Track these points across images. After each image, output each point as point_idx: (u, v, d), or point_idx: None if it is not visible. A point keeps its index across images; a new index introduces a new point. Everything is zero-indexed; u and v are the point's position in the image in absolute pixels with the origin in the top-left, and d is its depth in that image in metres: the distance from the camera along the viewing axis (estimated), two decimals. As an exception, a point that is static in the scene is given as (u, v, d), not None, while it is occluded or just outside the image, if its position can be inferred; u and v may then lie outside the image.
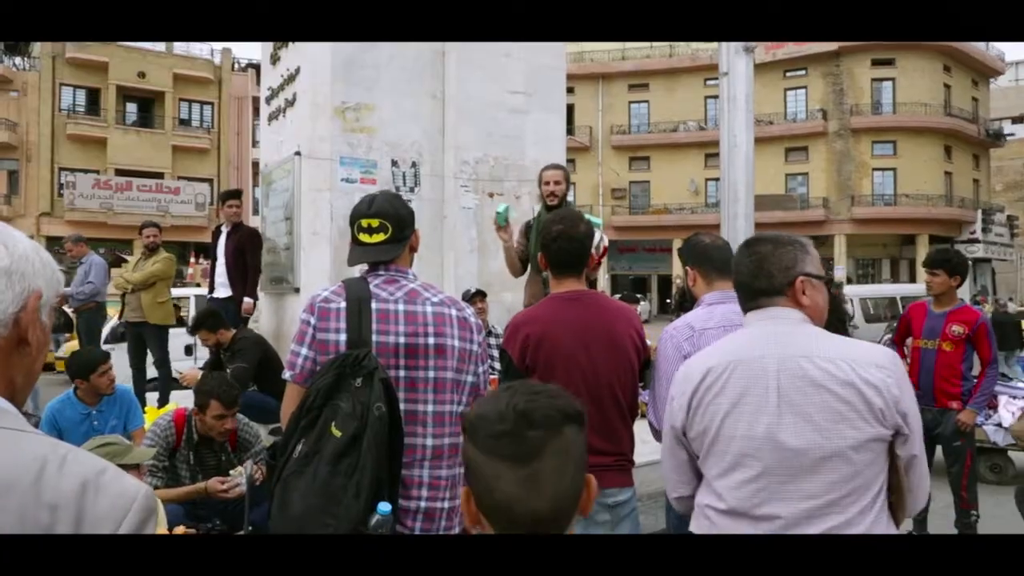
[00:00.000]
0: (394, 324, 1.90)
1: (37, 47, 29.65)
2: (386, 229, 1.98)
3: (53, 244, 27.78)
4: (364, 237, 1.99)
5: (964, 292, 33.03)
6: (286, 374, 1.93)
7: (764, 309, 1.69)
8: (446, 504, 1.90)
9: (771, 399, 1.58)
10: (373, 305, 1.90)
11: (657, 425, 2.35)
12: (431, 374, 1.90)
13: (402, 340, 1.89)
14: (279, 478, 1.77)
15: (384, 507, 1.70)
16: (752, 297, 1.73)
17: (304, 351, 1.90)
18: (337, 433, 1.71)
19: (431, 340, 1.91)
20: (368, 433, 1.70)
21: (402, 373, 1.90)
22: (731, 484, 1.61)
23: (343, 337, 1.86)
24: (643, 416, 2.51)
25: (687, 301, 2.86)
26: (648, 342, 2.42)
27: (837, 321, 2.79)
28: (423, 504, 1.86)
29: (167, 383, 6.49)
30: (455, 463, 1.91)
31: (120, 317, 6.79)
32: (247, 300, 5.98)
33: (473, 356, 1.98)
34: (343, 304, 1.89)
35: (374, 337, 1.87)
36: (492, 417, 1.00)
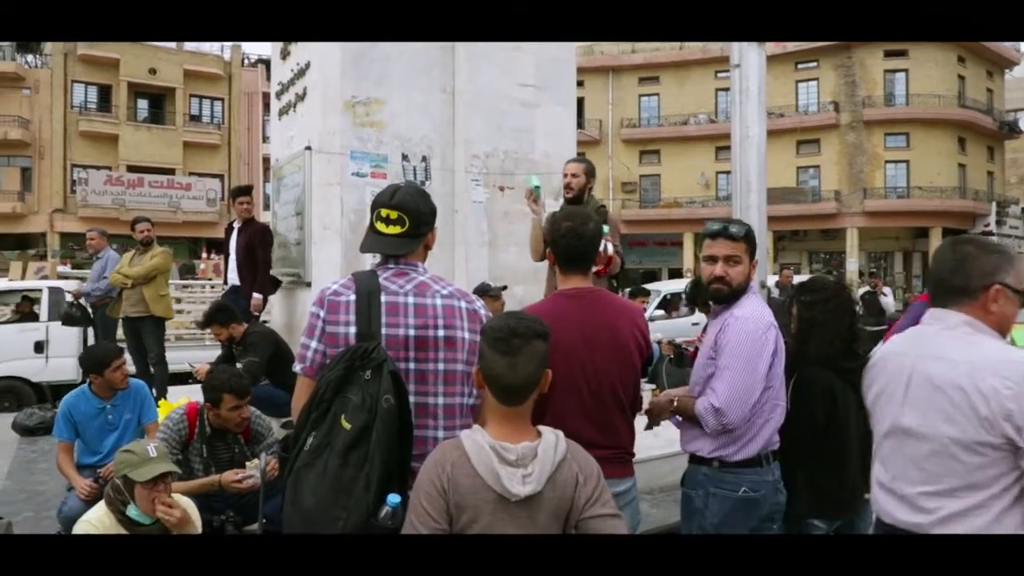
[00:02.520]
0: (404, 317, 1.90)
1: (49, 45, 29.83)
2: (403, 223, 1.98)
3: (67, 240, 28.04)
4: (381, 227, 1.99)
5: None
6: (296, 367, 1.93)
7: (939, 309, 1.81)
8: None
9: (899, 392, 1.80)
10: (383, 298, 1.90)
11: (730, 418, 2.26)
12: (441, 366, 1.91)
13: (412, 332, 1.89)
14: (291, 470, 1.78)
15: (393, 499, 1.70)
16: (943, 294, 1.80)
17: (314, 344, 1.91)
18: (347, 426, 1.71)
19: (441, 332, 1.91)
20: (377, 425, 1.71)
21: (412, 366, 1.90)
22: (880, 459, 1.87)
23: (352, 330, 1.87)
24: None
25: (700, 294, 2.85)
26: (651, 338, 2.42)
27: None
28: None
29: (164, 378, 6.53)
30: None
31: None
32: (256, 296, 6.00)
33: None
34: (352, 297, 1.89)
35: (383, 330, 1.87)
36: (496, 327, 1.71)
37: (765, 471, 2.32)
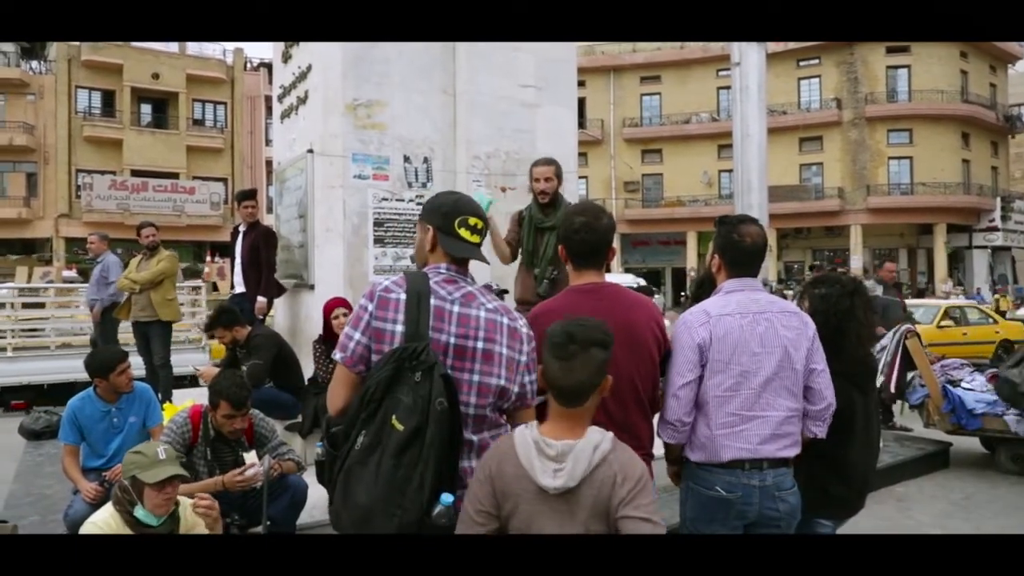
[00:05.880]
0: (447, 323, 1.91)
1: (53, 51, 29.96)
2: (483, 235, 2.08)
3: (72, 245, 28.15)
4: (464, 233, 2.01)
5: (983, 281, 32.73)
6: (336, 355, 1.93)
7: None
8: None
9: None
10: (431, 301, 1.91)
11: (667, 416, 2.34)
12: (476, 377, 1.91)
13: (452, 340, 1.90)
14: (341, 468, 1.79)
15: (447, 498, 1.74)
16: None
17: (357, 336, 1.91)
18: (400, 427, 1.73)
19: (480, 344, 1.92)
20: (431, 427, 1.73)
21: (448, 372, 1.91)
22: None
23: (400, 328, 1.87)
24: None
25: (704, 293, 2.85)
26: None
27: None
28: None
29: (169, 381, 6.56)
30: None
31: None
32: (260, 299, 6.03)
33: (520, 366, 1.99)
34: (403, 296, 1.91)
35: (429, 333, 1.90)
36: (557, 331, 1.81)
37: (748, 475, 2.26)
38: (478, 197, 4.10)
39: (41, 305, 11.35)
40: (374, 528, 1.71)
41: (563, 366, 1.74)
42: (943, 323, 14.06)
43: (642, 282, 16.75)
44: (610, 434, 1.78)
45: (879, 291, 8.16)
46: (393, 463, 1.71)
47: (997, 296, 27.97)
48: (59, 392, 9.57)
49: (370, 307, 1.91)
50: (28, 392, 9.66)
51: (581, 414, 1.78)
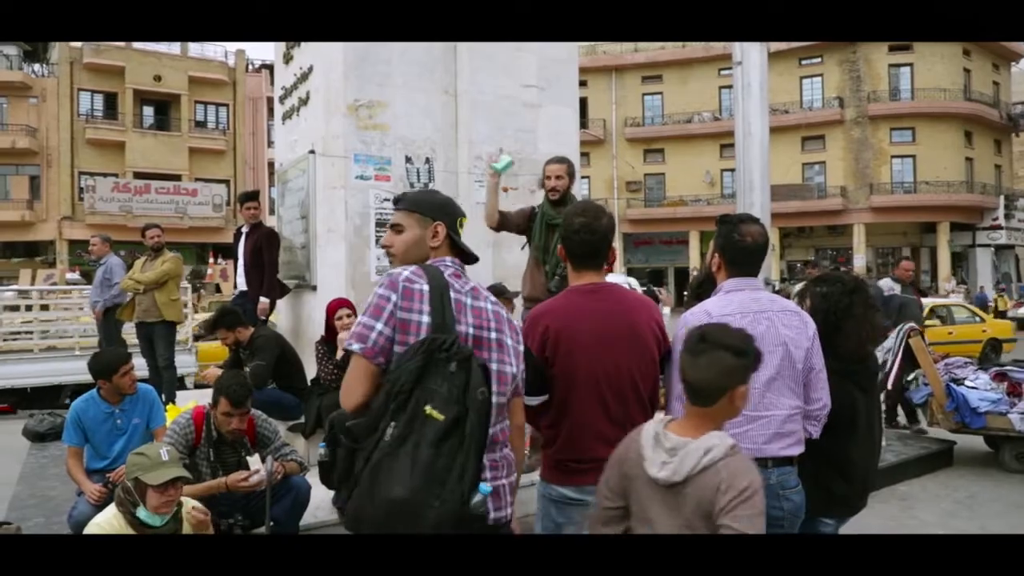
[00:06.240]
0: (464, 315, 1.94)
1: (55, 53, 30.02)
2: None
3: (75, 248, 28.20)
4: (461, 231, 2.08)
5: (987, 279, 32.62)
6: (353, 346, 1.88)
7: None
8: (506, 481, 1.97)
9: None
10: (451, 294, 1.94)
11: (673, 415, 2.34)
12: (495, 366, 1.94)
13: (471, 331, 1.93)
14: (366, 462, 1.74)
15: (485, 487, 1.77)
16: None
17: (379, 326, 1.88)
18: (439, 416, 1.72)
19: (494, 335, 1.96)
20: (472, 416, 1.74)
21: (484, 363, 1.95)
22: None
23: (426, 319, 1.87)
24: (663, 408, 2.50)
25: (704, 292, 2.84)
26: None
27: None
28: (490, 484, 1.92)
29: (173, 382, 6.57)
30: (507, 447, 2.01)
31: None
32: (263, 300, 6.04)
33: (520, 355, 2.05)
34: (426, 287, 1.91)
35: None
36: (694, 327, 1.93)
37: None
38: (504, 160, 4.14)
39: (45, 307, 11.37)
40: (405, 522, 1.67)
41: (691, 361, 1.84)
42: (928, 322, 14.03)
43: (636, 284, 16.70)
44: (730, 441, 1.80)
45: (897, 290, 7.94)
46: (433, 452, 1.69)
47: (997, 295, 27.88)
48: (45, 396, 9.63)
49: (394, 297, 1.89)
50: (10, 396, 9.67)
51: (709, 415, 1.83)
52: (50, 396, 9.62)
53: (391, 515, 1.68)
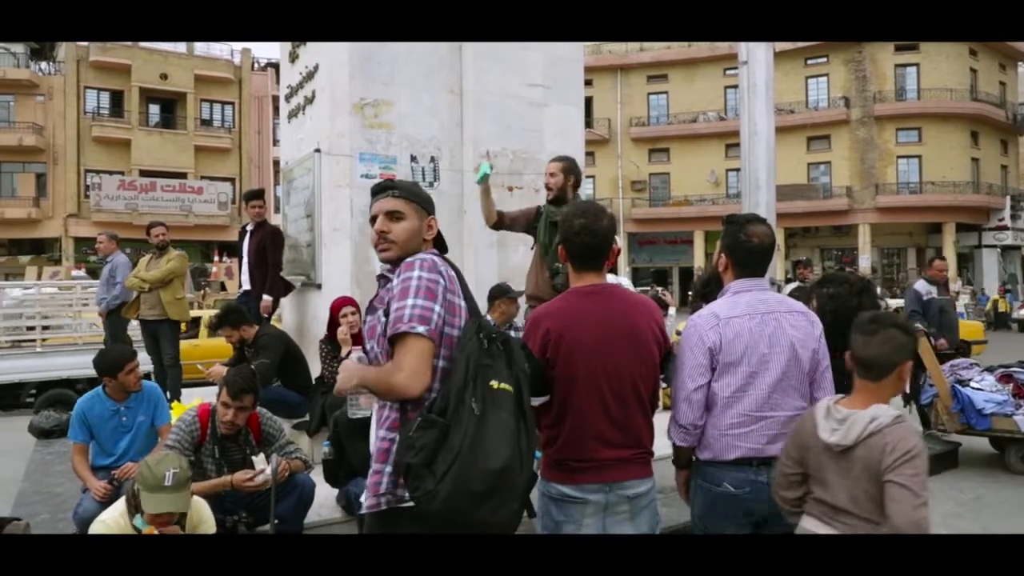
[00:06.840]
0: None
1: (62, 52, 30.12)
2: None
3: (81, 245, 28.31)
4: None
5: (992, 280, 32.47)
6: (420, 329, 1.84)
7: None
8: None
9: None
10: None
11: (679, 419, 2.35)
12: None
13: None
14: (466, 435, 1.74)
15: (538, 452, 1.90)
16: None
17: (437, 308, 1.89)
18: (509, 388, 1.83)
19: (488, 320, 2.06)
20: (525, 388, 1.88)
21: None
22: None
23: (463, 303, 1.98)
24: (666, 408, 2.50)
25: (710, 291, 2.84)
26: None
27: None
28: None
29: (178, 380, 6.59)
30: None
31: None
32: (265, 298, 6.05)
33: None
34: (452, 273, 2.01)
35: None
36: (863, 316, 2.11)
37: (756, 472, 2.28)
38: (483, 168, 4.19)
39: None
40: (503, 491, 1.74)
41: (865, 340, 2.02)
42: None
43: (628, 283, 16.66)
44: (894, 412, 1.96)
45: (933, 292, 7.14)
46: (515, 424, 1.80)
47: (996, 296, 27.73)
48: (5, 394, 9.40)
49: (441, 280, 1.94)
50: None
51: (877, 389, 2.02)
52: (10, 395, 9.11)
53: (496, 487, 1.74)
